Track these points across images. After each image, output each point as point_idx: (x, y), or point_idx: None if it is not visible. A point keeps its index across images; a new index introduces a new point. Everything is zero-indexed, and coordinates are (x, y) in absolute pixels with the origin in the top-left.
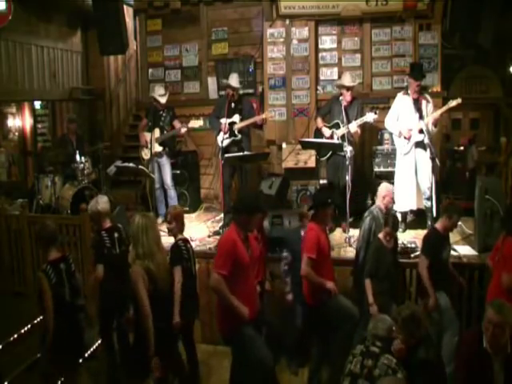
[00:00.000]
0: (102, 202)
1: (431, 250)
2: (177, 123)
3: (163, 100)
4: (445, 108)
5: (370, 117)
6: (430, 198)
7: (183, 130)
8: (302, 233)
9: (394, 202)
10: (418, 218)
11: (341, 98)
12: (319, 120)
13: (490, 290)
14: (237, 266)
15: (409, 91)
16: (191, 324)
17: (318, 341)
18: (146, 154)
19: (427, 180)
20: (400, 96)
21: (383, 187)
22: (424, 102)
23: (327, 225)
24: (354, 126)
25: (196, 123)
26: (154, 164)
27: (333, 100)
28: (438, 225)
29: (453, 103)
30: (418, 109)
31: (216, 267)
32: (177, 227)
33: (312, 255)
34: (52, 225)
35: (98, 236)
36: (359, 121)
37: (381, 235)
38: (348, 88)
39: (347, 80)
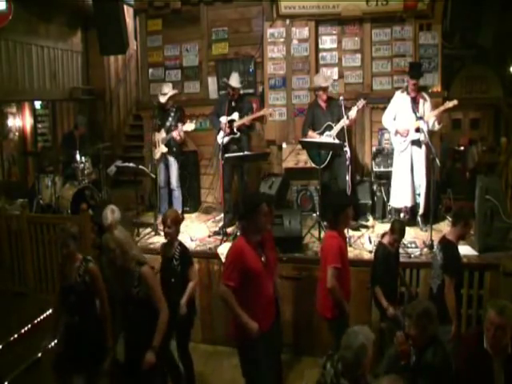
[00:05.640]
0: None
1: (457, 267)
2: (178, 126)
3: (162, 99)
4: (442, 108)
5: (360, 104)
6: (420, 194)
7: (177, 137)
8: None
9: None
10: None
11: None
12: (311, 132)
13: None
14: (247, 275)
15: (408, 90)
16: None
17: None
18: (155, 154)
19: (420, 177)
20: (398, 94)
21: None
22: (421, 101)
23: (347, 227)
24: (352, 115)
25: (189, 126)
26: (161, 164)
27: (312, 106)
28: (451, 235)
29: (449, 104)
30: (416, 107)
31: (223, 278)
32: (176, 231)
33: (337, 264)
34: None
35: None
36: (353, 110)
37: (385, 241)
38: (323, 89)
39: (320, 81)
